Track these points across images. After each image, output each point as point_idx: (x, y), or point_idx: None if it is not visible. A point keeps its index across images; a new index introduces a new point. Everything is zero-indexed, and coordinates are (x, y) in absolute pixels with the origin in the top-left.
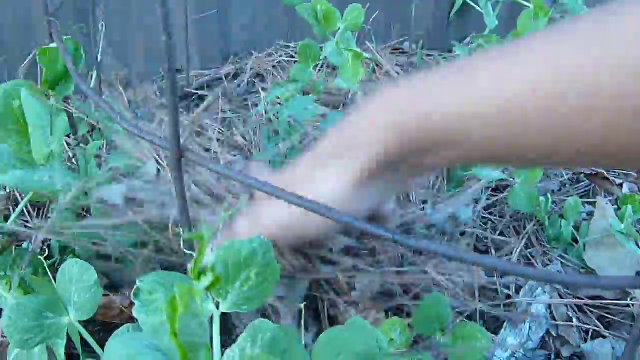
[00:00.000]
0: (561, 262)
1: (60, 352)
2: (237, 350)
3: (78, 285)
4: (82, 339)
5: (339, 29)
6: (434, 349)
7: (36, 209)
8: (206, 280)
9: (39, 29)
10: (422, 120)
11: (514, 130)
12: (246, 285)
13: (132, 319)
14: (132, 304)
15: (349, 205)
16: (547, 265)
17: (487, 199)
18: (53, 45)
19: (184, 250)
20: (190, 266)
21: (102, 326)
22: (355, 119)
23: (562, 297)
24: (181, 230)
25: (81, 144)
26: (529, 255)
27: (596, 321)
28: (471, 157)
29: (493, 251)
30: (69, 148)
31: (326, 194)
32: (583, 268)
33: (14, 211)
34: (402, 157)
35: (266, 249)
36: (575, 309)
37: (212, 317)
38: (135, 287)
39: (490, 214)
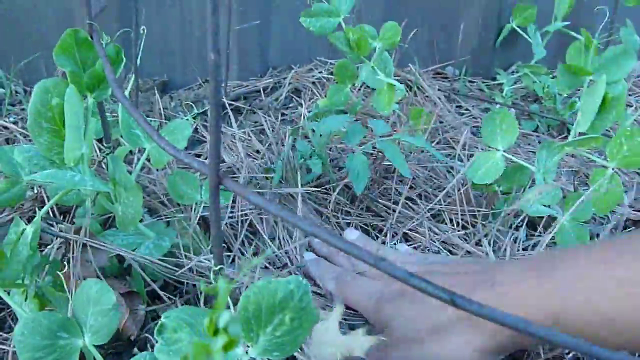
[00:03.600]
0: None
1: None
2: None
3: (95, 307)
4: None
5: (376, 48)
6: None
7: (62, 214)
8: (221, 340)
9: (80, 26)
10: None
11: None
12: (279, 329)
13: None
14: (141, 331)
15: None
16: None
17: (527, 239)
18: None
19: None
20: (205, 321)
21: (113, 349)
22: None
23: None
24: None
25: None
26: None
27: None
28: None
29: None
30: (100, 153)
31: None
32: None
33: None
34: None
35: (304, 291)
36: None
37: None
38: (159, 322)
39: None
